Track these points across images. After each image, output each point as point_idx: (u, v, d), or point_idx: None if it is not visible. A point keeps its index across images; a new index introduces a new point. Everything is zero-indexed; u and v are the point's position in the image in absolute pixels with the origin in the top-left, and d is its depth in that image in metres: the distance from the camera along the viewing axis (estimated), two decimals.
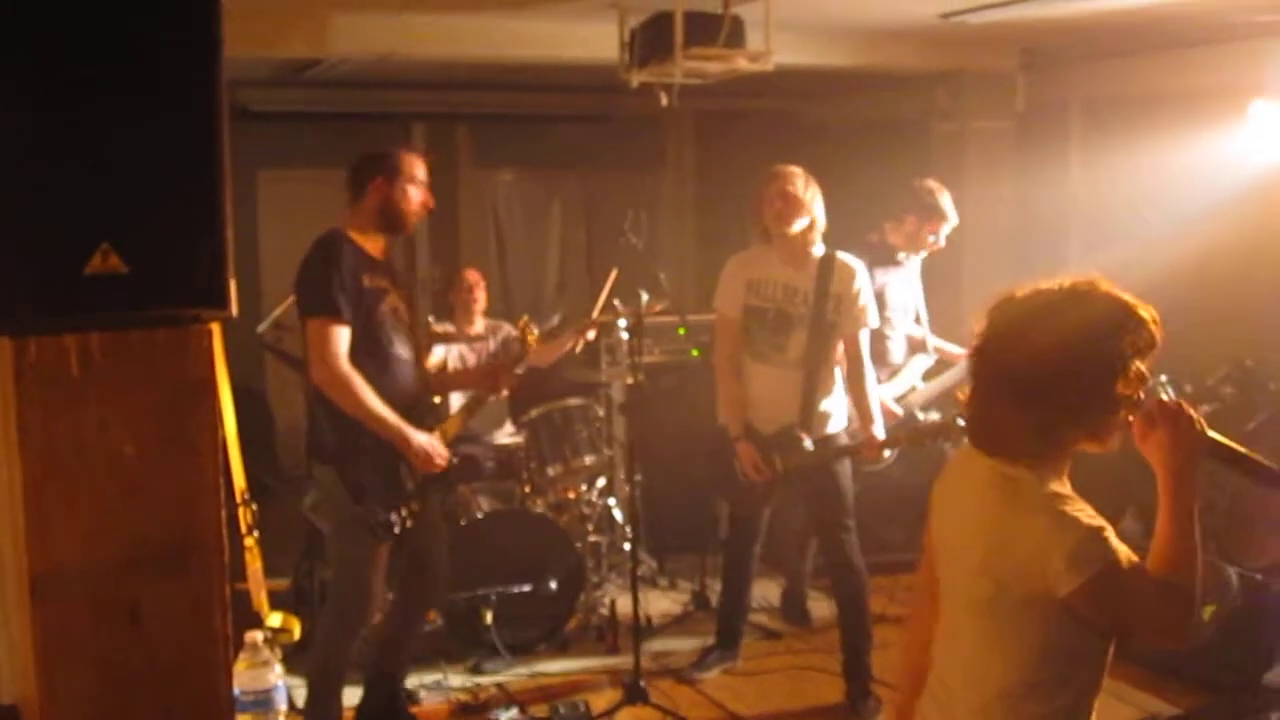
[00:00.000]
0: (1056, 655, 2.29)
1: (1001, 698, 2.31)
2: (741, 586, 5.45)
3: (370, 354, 4.25)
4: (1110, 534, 2.20)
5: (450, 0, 5.42)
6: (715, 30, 5.25)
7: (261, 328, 5.83)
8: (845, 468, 5.08)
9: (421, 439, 4.30)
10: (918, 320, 6.05)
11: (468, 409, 4.86)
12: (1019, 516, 2.26)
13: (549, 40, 6.28)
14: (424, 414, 4.47)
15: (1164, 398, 2.30)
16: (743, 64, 5.41)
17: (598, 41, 5.90)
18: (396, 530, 4.30)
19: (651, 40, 5.42)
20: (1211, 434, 2.29)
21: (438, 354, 6.21)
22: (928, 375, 6.03)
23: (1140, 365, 2.27)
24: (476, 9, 5.76)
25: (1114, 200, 7.07)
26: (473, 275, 6.51)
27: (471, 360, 6.37)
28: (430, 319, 6.39)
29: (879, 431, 5.01)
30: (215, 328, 2.06)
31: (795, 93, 8.91)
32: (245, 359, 6.88)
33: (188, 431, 2.00)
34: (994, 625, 2.31)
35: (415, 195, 4.37)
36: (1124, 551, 2.20)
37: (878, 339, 5.50)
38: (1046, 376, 2.24)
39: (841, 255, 5.05)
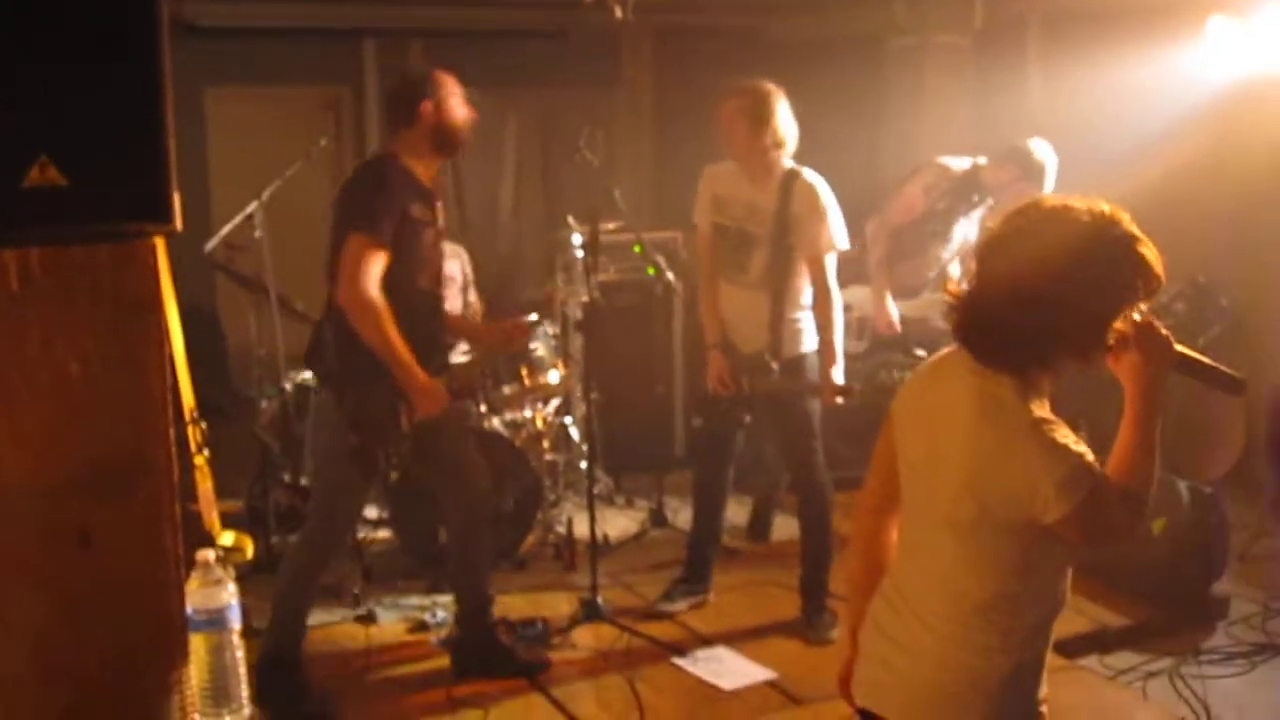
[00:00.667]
0: (1033, 572, 2.35)
1: (979, 612, 2.35)
2: (714, 511, 5.32)
3: (401, 284, 4.15)
4: (1088, 455, 2.24)
5: None
6: None
7: (210, 245, 5.74)
8: (814, 379, 5.03)
9: (427, 383, 4.20)
10: (962, 258, 6.04)
11: (475, 364, 4.81)
12: (1006, 441, 2.26)
13: None
14: (437, 352, 4.40)
15: (1135, 316, 2.30)
16: None
17: None
18: (380, 467, 4.27)
19: None
20: (1179, 348, 2.37)
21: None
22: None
23: (1137, 292, 2.28)
24: None
25: (1072, 117, 7.04)
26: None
27: None
28: None
29: (838, 376, 4.89)
30: (160, 242, 2.01)
31: (753, 9, 8.81)
32: (196, 279, 6.81)
33: (134, 349, 1.96)
34: (975, 545, 2.34)
35: (461, 111, 4.32)
36: (1100, 472, 2.26)
37: (931, 262, 5.45)
38: (1054, 289, 2.23)
39: (806, 173, 4.88)
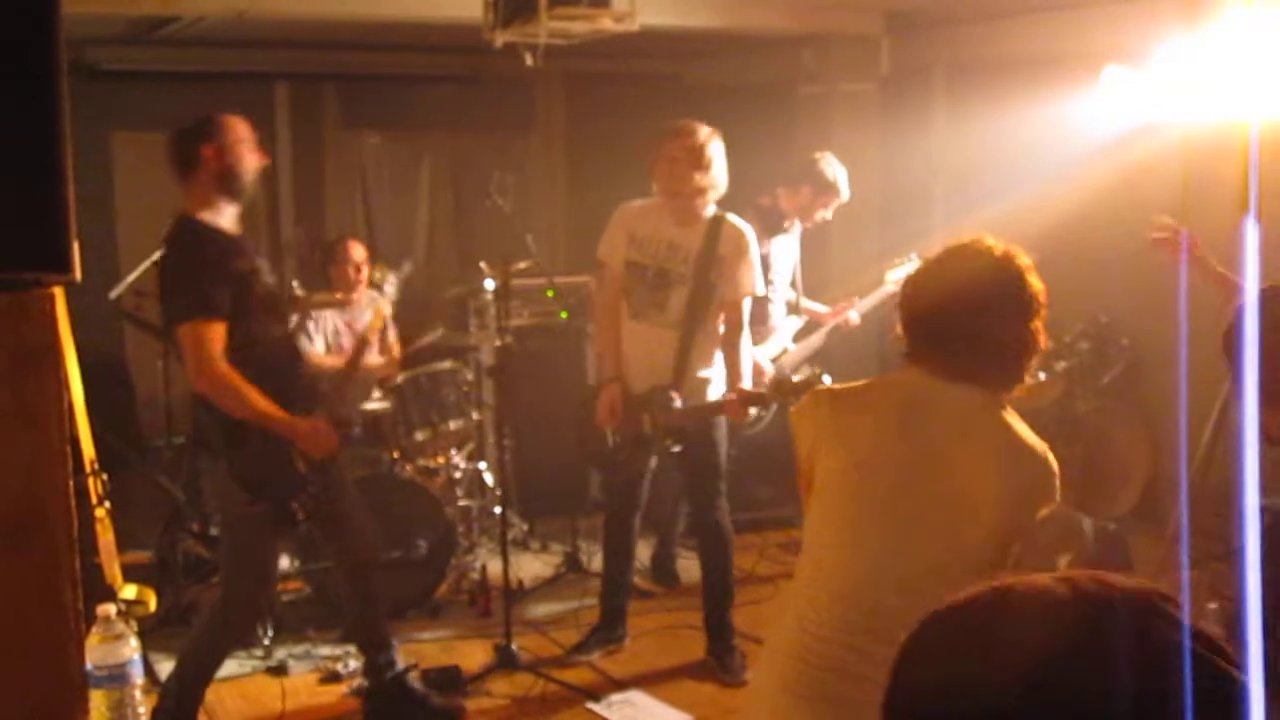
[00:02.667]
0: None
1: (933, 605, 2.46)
2: (624, 560, 5.32)
3: (246, 343, 4.07)
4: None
5: None
6: None
7: (115, 293, 5.67)
8: (720, 432, 5.08)
9: (310, 427, 4.18)
10: (793, 283, 6.13)
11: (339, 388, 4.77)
12: (983, 447, 2.49)
13: None
14: (304, 394, 4.33)
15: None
16: (607, 24, 5.37)
17: (464, 0, 5.81)
18: (300, 518, 4.22)
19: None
20: None
21: (314, 344, 6.08)
22: (798, 337, 6.11)
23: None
24: None
25: (976, 162, 7.20)
26: (358, 250, 6.28)
27: (346, 335, 6.30)
28: (295, 284, 6.25)
29: (746, 384, 4.96)
30: (58, 292, 1.99)
31: (663, 54, 8.90)
32: (102, 326, 6.72)
33: (29, 400, 1.93)
34: (954, 550, 2.42)
35: (250, 157, 4.17)
36: None
37: (760, 303, 5.53)
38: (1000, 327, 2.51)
39: (731, 218, 4.97)
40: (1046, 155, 6.52)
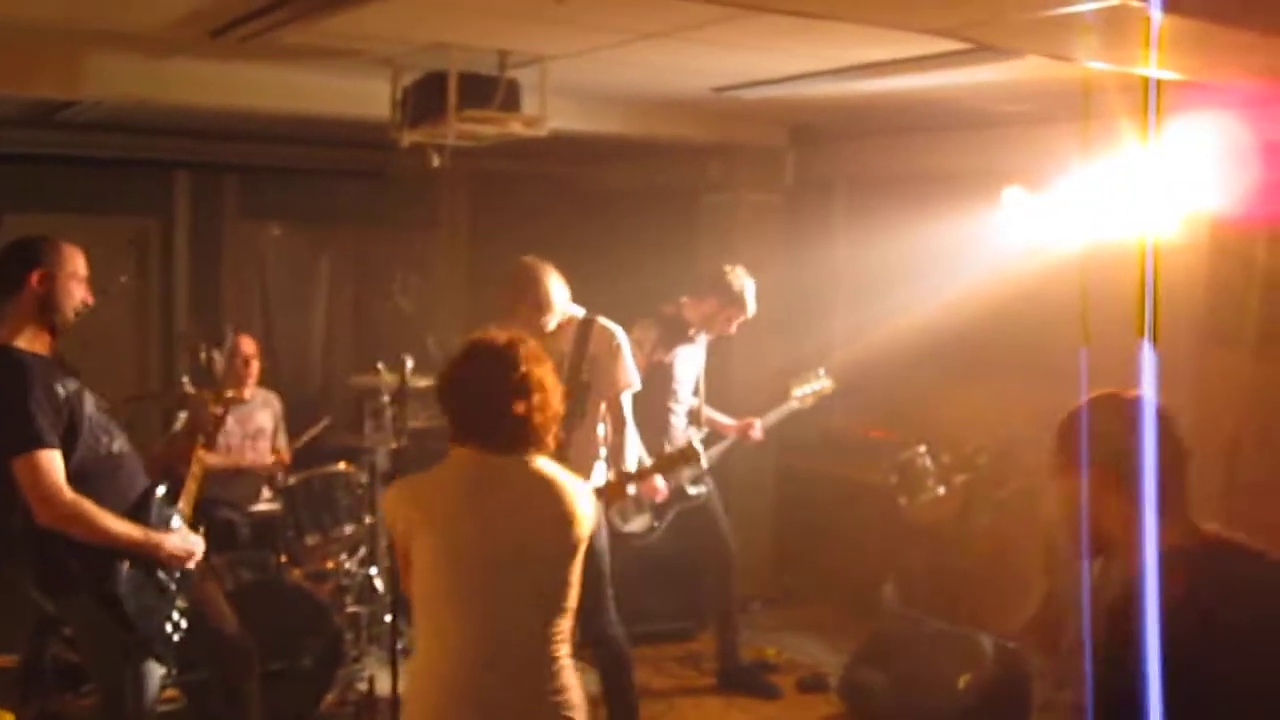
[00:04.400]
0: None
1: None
2: None
3: (91, 465, 3.86)
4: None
5: (214, 48, 5.21)
6: (490, 93, 5.21)
7: None
8: (602, 541, 5.03)
9: (172, 541, 4.01)
10: (695, 392, 6.11)
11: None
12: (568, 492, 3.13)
13: (319, 94, 6.09)
14: (156, 506, 4.08)
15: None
16: (517, 128, 5.38)
17: (370, 98, 5.76)
18: (176, 639, 4.02)
19: (425, 100, 5.34)
20: None
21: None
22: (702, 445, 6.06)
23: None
24: (243, 58, 5.56)
25: (878, 275, 7.28)
26: (249, 344, 6.24)
27: (236, 431, 6.13)
28: (185, 379, 6.05)
29: (630, 464, 5.06)
30: None
31: (570, 158, 8.93)
32: None
33: None
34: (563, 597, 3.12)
35: (78, 292, 3.93)
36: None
37: (661, 412, 5.51)
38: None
39: (601, 320, 5.12)
40: (947, 269, 6.62)
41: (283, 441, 6.11)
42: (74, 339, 5.53)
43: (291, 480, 5.73)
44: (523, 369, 3.10)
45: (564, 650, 3.11)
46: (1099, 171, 5.75)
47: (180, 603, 4.07)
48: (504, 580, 3.02)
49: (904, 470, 6.67)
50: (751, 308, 5.93)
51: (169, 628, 4.02)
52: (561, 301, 5.11)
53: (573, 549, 3.09)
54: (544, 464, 3.14)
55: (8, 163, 7.83)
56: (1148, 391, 2.57)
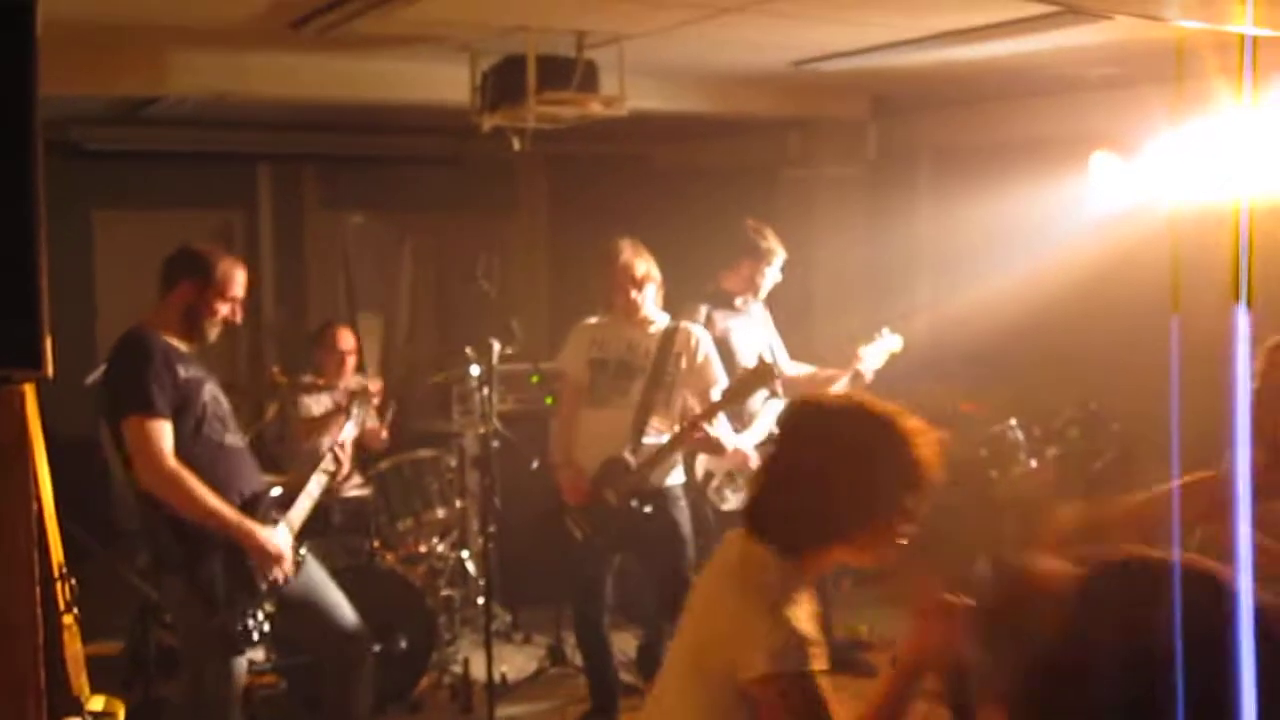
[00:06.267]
0: None
1: None
2: (602, 659, 5.29)
3: (199, 449, 4.00)
4: (817, 651, 2.24)
5: (295, 39, 5.25)
6: (568, 75, 5.19)
7: (91, 379, 5.53)
8: (684, 515, 5.06)
9: (265, 533, 4.06)
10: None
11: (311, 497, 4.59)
12: (735, 590, 2.35)
13: (399, 82, 6.13)
14: (265, 506, 4.19)
15: (947, 597, 2.32)
16: (596, 109, 5.36)
17: (449, 84, 5.78)
18: (255, 638, 4.07)
19: (504, 84, 5.34)
20: (958, 666, 2.30)
21: (316, 408, 5.97)
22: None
23: (905, 496, 2.33)
24: (323, 49, 5.60)
25: (962, 246, 7.18)
26: (348, 338, 6.21)
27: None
28: (275, 368, 6.11)
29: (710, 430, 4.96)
30: (29, 389, 1.89)
31: (647, 137, 8.91)
32: (77, 409, 6.58)
33: None
34: (688, 685, 2.38)
35: (221, 309, 4.16)
36: (820, 673, 2.24)
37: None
38: (813, 469, 2.34)
39: (685, 325, 5.15)
40: (1032, 239, 6.50)
41: (374, 421, 6.13)
42: None
43: (383, 465, 5.77)
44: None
45: None
46: (1191, 134, 5.61)
47: (268, 605, 4.12)
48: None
49: (994, 444, 6.57)
50: (779, 250, 5.78)
51: (252, 623, 4.06)
52: (654, 286, 5.12)
53: None
54: None
55: (95, 160, 7.97)
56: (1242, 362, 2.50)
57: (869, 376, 6.05)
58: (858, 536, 2.34)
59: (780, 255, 5.81)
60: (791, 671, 2.21)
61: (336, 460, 4.55)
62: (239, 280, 4.19)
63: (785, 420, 2.55)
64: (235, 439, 4.18)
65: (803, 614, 2.28)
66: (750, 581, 2.30)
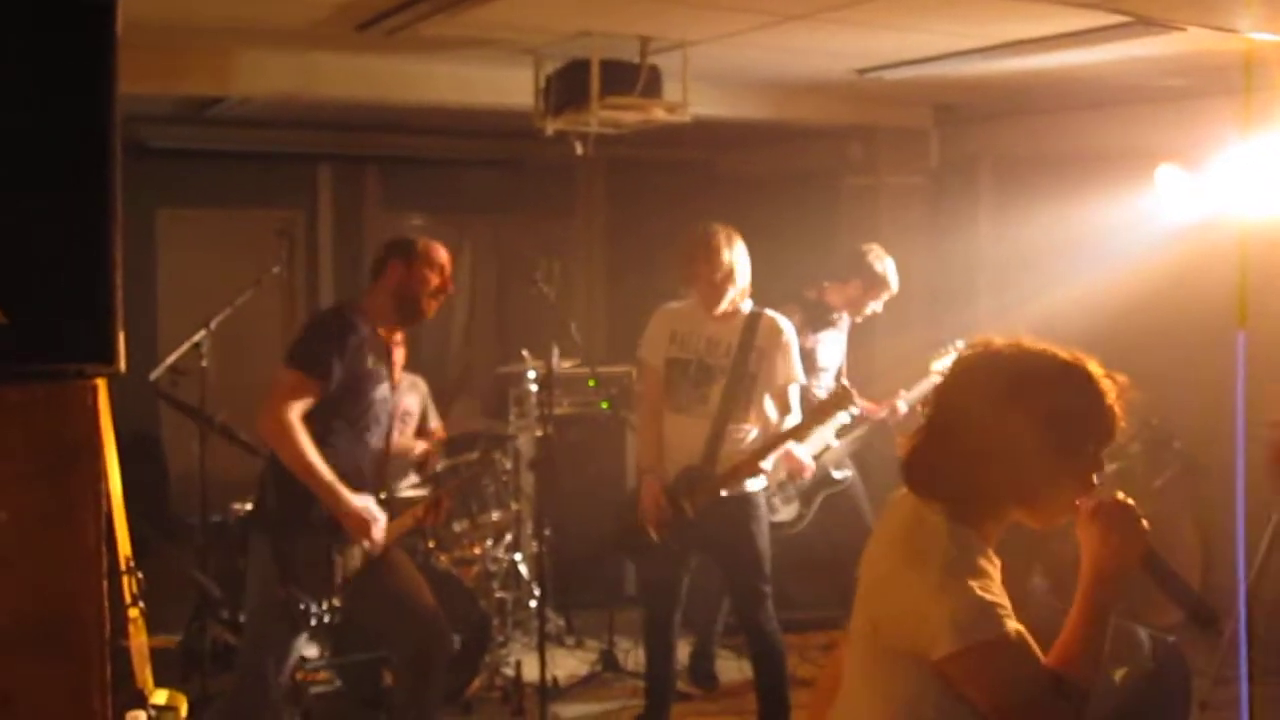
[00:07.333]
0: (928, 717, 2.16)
1: None
2: (666, 655, 5.20)
3: (343, 429, 4.16)
4: (1005, 612, 2.09)
5: (361, 41, 5.29)
6: (632, 80, 5.20)
7: (155, 375, 5.60)
8: (762, 528, 4.98)
9: (358, 502, 4.13)
10: (838, 377, 6.03)
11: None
12: (913, 559, 2.16)
13: (462, 85, 6.17)
14: (370, 487, 4.30)
15: (1118, 495, 2.19)
16: (660, 114, 5.36)
17: (512, 87, 5.80)
18: (314, 624, 4.12)
19: (567, 88, 5.35)
20: (1154, 551, 2.20)
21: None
22: (843, 432, 5.99)
23: (1091, 445, 2.19)
24: (388, 51, 5.64)
25: (1023, 257, 7.11)
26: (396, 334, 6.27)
27: None
28: None
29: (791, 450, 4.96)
30: (101, 384, 1.91)
31: (708, 143, 8.90)
32: (139, 404, 6.67)
33: (68, 497, 1.85)
34: (870, 667, 2.22)
35: (432, 279, 4.35)
36: (1015, 632, 2.09)
37: (806, 398, 5.44)
38: (979, 421, 2.17)
39: (769, 313, 5.01)
40: (1096, 252, 6.44)
41: (435, 422, 6.15)
42: (227, 331, 5.70)
43: (439, 467, 5.78)
44: None
45: None
46: (1259, 147, 5.53)
47: (337, 600, 4.16)
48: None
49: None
50: (895, 285, 5.85)
51: (315, 609, 4.11)
52: (743, 276, 4.97)
53: None
54: None
55: (160, 158, 8.06)
56: None
57: (905, 410, 6.05)
58: (1043, 494, 2.20)
59: (892, 291, 5.81)
60: (982, 641, 2.06)
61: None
62: (442, 251, 4.40)
63: (956, 368, 2.32)
64: (378, 440, 4.32)
65: (988, 580, 2.12)
66: (923, 553, 2.14)
